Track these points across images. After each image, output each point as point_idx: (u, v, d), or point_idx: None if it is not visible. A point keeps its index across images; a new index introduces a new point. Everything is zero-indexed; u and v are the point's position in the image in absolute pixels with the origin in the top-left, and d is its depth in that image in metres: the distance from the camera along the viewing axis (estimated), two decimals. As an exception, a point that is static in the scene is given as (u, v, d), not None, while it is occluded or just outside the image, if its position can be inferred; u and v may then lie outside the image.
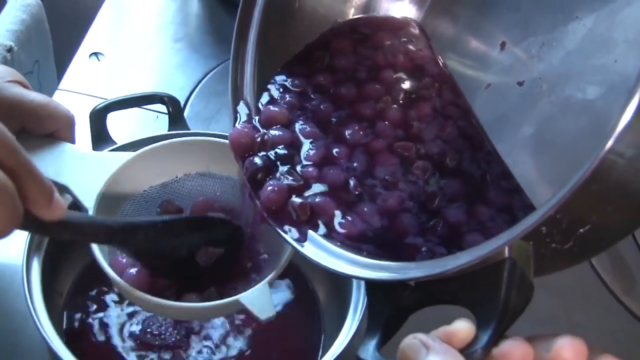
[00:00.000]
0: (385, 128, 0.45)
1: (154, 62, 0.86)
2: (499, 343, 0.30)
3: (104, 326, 0.56)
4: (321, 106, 0.46)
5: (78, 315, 0.57)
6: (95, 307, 0.57)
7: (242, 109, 0.45)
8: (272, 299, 0.44)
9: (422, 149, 0.44)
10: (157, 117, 0.76)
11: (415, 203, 0.41)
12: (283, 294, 0.60)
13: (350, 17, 0.51)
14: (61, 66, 0.83)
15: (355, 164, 0.43)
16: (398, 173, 0.42)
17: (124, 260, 0.48)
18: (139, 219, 0.46)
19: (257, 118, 0.45)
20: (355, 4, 0.51)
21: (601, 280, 0.70)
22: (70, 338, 0.55)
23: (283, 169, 0.42)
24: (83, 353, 0.54)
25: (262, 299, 0.44)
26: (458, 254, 0.33)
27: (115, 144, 0.58)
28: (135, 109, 0.66)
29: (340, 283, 0.58)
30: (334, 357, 0.48)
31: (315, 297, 0.61)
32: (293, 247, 0.40)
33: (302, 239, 0.40)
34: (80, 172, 0.48)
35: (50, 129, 0.50)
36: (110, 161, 0.50)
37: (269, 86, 0.47)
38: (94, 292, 0.58)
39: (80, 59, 0.83)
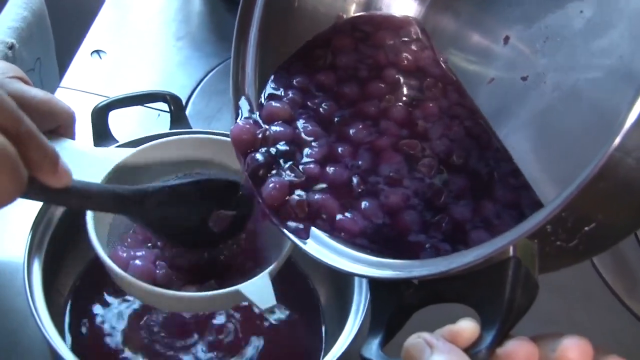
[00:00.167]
0: (389, 126, 0.45)
1: (155, 60, 0.86)
2: (504, 343, 0.30)
3: (106, 325, 0.56)
4: (324, 104, 0.46)
5: (79, 315, 0.56)
6: (96, 306, 0.57)
7: (244, 105, 0.45)
8: (273, 289, 0.44)
9: (427, 147, 0.43)
10: (159, 115, 0.76)
11: (420, 200, 0.40)
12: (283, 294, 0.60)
13: (352, 14, 0.51)
14: (63, 64, 0.83)
15: (359, 162, 0.43)
16: (403, 170, 0.42)
17: (124, 255, 0.48)
18: (145, 185, 0.46)
19: (258, 114, 0.45)
20: (357, 0, 0.50)
21: (603, 280, 0.70)
22: (72, 337, 0.55)
23: (285, 165, 0.42)
24: (84, 353, 0.54)
25: (263, 288, 0.44)
26: (462, 252, 0.33)
27: (117, 142, 0.58)
28: (137, 107, 0.66)
29: (341, 283, 0.57)
30: (336, 358, 0.48)
31: (316, 297, 0.61)
32: (295, 244, 0.39)
33: (305, 236, 0.39)
34: (81, 168, 0.48)
35: (51, 126, 0.50)
36: (111, 157, 0.50)
37: (271, 83, 0.46)
38: (95, 291, 0.58)
39: (82, 57, 0.83)
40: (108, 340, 0.55)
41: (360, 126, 0.45)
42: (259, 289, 0.44)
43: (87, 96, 0.77)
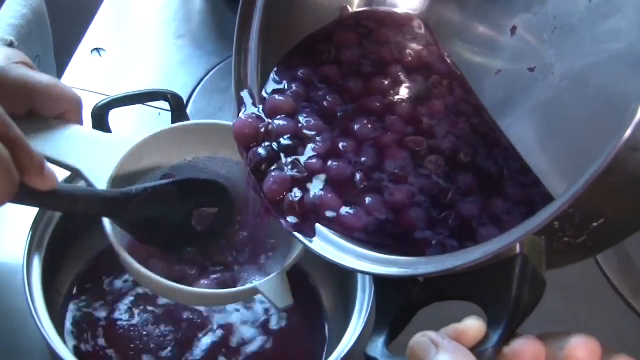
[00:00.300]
0: (394, 122, 0.44)
1: (156, 58, 0.86)
2: (511, 341, 0.30)
3: (106, 326, 0.56)
4: (328, 97, 0.45)
5: (79, 315, 0.56)
6: (97, 306, 0.57)
7: (246, 99, 0.45)
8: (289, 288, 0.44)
9: (434, 145, 0.43)
10: (160, 114, 0.76)
11: (426, 197, 0.40)
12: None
13: (356, 7, 0.50)
14: (62, 62, 0.83)
15: (363, 158, 0.42)
16: (408, 167, 0.42)
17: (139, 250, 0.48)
18: (129, 187, 0.47)
19: (261, 107, 0.44)
20: (359, -7, 0.50)
21: (608, 280, 0.69)
22: (71, 338, 0.55)
23: (287, 160, 0.41)
24: (84, 353, 0.54)
25: (280, 287, 0.44)
26: (469, 250, 0.33)
27: (117, 140, 0.57)
28: (137, 105, 0.66)
29: (345, 282, 0.57)
30: (340, 358, 0.48)
31: (318, 296, 0.61)
32: (299, 240, 0.39)
33: (311, 234, 0.39)
34: (91, 154, 0.48)
35: (58, 111, 0.50)
36: (122, 143, 0.50)
37: (273, 77, 0.46)
38: (95, 292, 0.58)
39: (81, 55, 0.82)
40: (108, 340, 0.55)
41: (365, 121, 0.44)
42: (276, 288, 0.44)
43: (87, 95, 0.76)
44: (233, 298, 0.48)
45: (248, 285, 0.45)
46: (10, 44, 0.68)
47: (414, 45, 0.49)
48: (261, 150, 0.42)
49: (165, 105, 0.64)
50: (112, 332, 0.55)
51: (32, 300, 0.48)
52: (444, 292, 0.34)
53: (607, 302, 0.68)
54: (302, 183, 0.41)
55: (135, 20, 0.91)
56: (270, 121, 0.43)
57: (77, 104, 0.51)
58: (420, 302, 0.35)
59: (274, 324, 0.58)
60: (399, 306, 0.35)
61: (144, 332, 0.55)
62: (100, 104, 0.59)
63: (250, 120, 0.43)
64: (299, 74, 0.46)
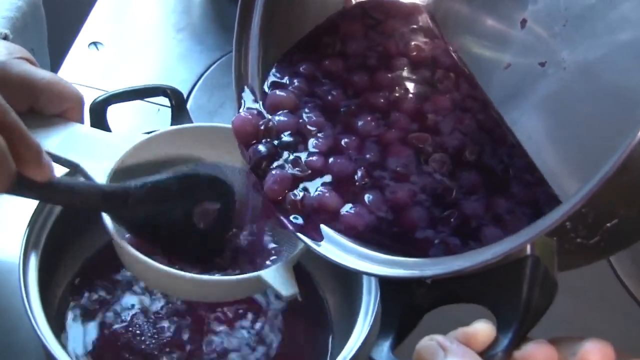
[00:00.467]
0: (399, 119, 0.44)
1: (155, 52, 0.86)
2: (521, 346, 0.30)
3: (103, 327, 0.56)
4: (332, 92, 0.45)
5: (76, 315, 0.56)
6: (94, 307, 0.57)
7: (247, 95, 0.45)
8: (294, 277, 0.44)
9: (438, 142, 0.43)
10: (159, 110, 0.76)
11: (428, 196, 0.40)
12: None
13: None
14: (58, 55, 0.83)
15: (366, 156, 0.42)
16: (411, 165, 0.42)
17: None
18: (128, 182, 0.47)
19: (262, 103, 0.44)
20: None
21: (621, 283, 0.69)
22: (67, 338, 0.55)
23: (288, 157, 0.41)
24: (80, 354, 0.54)
25: (284, 275, 0.44)
26: (477, 250, 0.33)
27: (116, 137, 0.57)
28: (136, 101, 0.66)
29: (349, 284, 0.57)
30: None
31: (321, 298, 0.61)
32: (305, 243, 0.39)
33: (318, 238, 0.39)
34: (92, 151, 0.49)
35: (60, 108, 0.50)
36: (122, 142, 0.50)
37: (275, 71, 0.46)
38: (92, 291, 0.58)
39: (78, 48, 0.82)
40: (105, 342, 0.55)
41: (369, 118, 0.44)
42: (280, 276, 0.44)
43: (84, 90, 0.75)
44: (235, 288, 0.47)
45: (251, 274, 0.45)
46: (5, 37, 0.68)
47: (420, 37, 0.49)
48: (261, 148, 0.42)
49: (164, 101, 0.63)
50: (110, 332, 0.55)
51: (28, 299, 0.48)
52: (451, 295, 0.34)
53: (621, 306, 0.68)
54: (303, 181, 0.41)
55: (134, 13, 0.91)
56: (270, 117, 0.43)
57: (78, 102, 0.51)
58: (427, 305, 0.35)
59: (274, 328, 0.58)
60: (405, 309, 0.35)
61: (142, 333, 0.56)
62: (98, 99, 0.59)
63: (250, 116, 0.43)
64: (301, 68, 0.46)
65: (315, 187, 0.41)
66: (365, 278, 0.54)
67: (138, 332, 0.56)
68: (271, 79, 0.46)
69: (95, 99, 0.59)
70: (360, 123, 0.44)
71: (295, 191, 0.40)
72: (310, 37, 0.48)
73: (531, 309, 0.30)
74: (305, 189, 0.41)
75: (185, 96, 0.75)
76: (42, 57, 0.84)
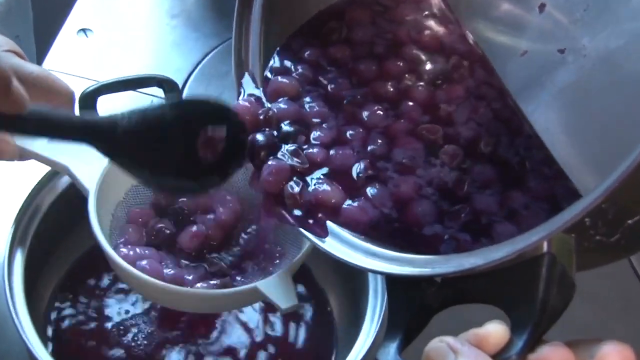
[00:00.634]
0: (410, 109, 0.44)
1: (148, 40, 0.86)
2: (536, 348, 0.30)
3: (90, 331, 0.56)
4: (338, 80, 0.45)
5: (62, 319, 0.57)
6: (81, 310, 0.57)
7: (247, 82, 0.45)
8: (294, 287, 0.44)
9: (451, 133, 0.43)
10: (152, 101, 0.76)
11: (435, 190, 0.40)
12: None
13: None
14: (45, 43, 0.83)
15: (371, 147, 0.42)
16: (419, 158, 0.42)
17: (131, 254, 0.48)
18: (114, 113, 0.44)
19: (262, 90, 0.44)
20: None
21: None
22: (52, 342, 0.55)
23: (288, 147, 0.41)
24: (65, 358, 0.54)
25: (283, 286, 0.44)
26: (490, 248, 0.33)
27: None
28: (128, 92, 0.66)
29: (355, 286, 0.57)
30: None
31: (327, 302, 0.61)
32: (308, 239, 0.39)
33: (323, 234, 0.39)
34: (82, 152, 0.48)
35: (49, 104, 0.50)
36: None
37: (277, 57, 0.46)
38: (80, 294, 0.58)
39: (66, 36, 0.82)
40: (90, 344, 0.55)
41: (375, 108, 0.44)
42: (279, 287, 0.44)
43: (73, 80, 0.77)
44: (230, 300, 0.48)
45: (247, 285, 0.45)
46: (-11, 24, 0.68)
47: (432, 23, 0.49)
48: (260, 137, 0.42)
49: (158, 91, 0.64)
50: (98, 335, 0.56)
51: (13, 301, 0.49)
52: (462, 294, 0.34)
53: (643, 311, 0.68)
54: (303, 174, 0.41)
55: (125, -2, 0.91)
56: (270, 106, 0.43)
57: (69, 98, 0.51)
58: (436, 305, 0.35)
59: (277, 331, 0.58)
60: (413, 309, 0.35)
61: (131, 335, 0.56)
62: (87, 90, 0.60)
63: (248, 105, 0.43)
64: (305, 55, 0.46)
65: (315, 180, 0.41)
66: (371, 278, 0.54)
67: (127, 334, 0.56)
68: (274, 64, 0.46)
69: (84, 90, 0.59)
70: (366, 114, 0.44)
71: (291, 183, 0.40)
72: (315, 23, 0.48)
73: (547, 310, 0.30)
74: (304, 181, 0.41)
75: (180, 86, 0.76)
76: (27, 45, 0.84)
